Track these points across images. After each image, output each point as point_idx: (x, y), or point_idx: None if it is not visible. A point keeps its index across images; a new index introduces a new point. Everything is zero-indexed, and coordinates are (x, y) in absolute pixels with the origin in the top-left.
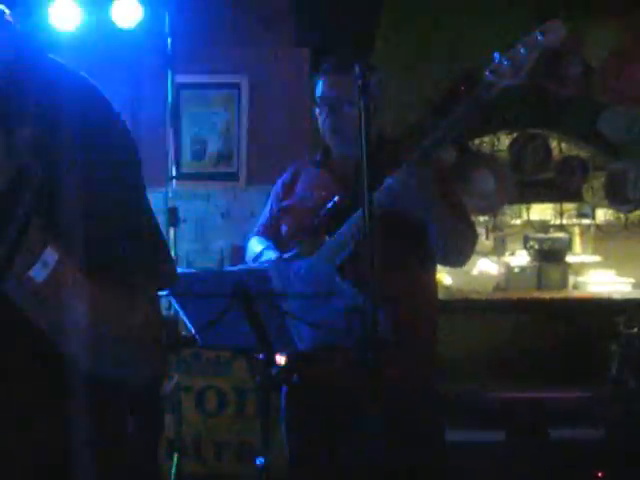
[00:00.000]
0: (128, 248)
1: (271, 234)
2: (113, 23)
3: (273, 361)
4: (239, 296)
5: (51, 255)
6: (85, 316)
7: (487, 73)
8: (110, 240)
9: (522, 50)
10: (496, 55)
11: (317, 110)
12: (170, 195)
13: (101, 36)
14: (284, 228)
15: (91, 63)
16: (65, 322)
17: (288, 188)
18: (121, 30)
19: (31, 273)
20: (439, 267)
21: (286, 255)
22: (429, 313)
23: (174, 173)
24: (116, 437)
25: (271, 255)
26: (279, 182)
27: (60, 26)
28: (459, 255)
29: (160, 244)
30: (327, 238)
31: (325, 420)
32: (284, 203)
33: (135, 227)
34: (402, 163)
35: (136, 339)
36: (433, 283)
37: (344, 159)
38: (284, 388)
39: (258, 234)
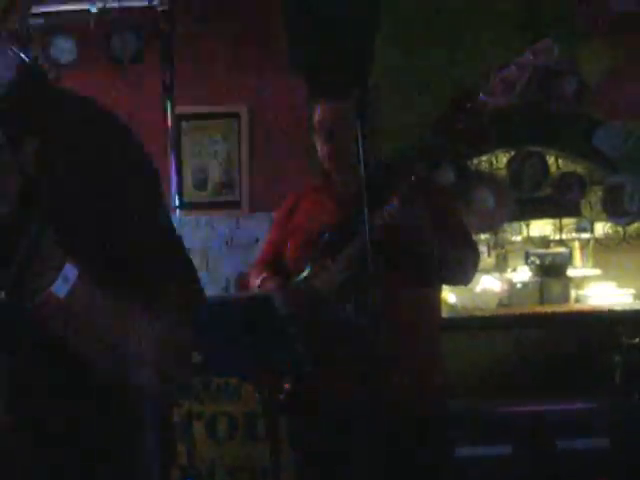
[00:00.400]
0: (149, 265)
1: (273, 262)
2: (111, 55)
3: (280, 386)
4: (245, 322)
5: (71, 270)
6: (104, 329)
7: (481, 93)
8: (131, 256)
9: (514, 70)
10: (489, 75)
11: (315, 136)
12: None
13: (100, 68)
14: (287, 253)
15: (91, 95)
16: (86, 336)
17: (289, 215)
18: (120, 62)
19: (53, 289)
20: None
21: (293, 281)
22: (431, 331)
23: (177, 203)
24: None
25: (271, 284)
26: (280, 210)
27: (58, 59)
28: (462, 277)
29: (184, 263)
30: (330, 262)
31: (331, 440)
32: (286, 229)
33: (156, 244)
34: (394, 196)
35: (153, 353)
36: (437, 301)
37: (344, 184)
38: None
39: (260, 264)
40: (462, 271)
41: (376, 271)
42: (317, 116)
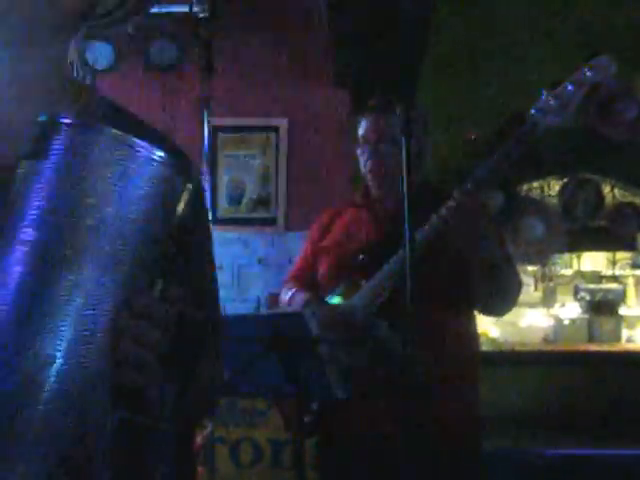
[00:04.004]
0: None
1: (305, 279)
2: (149, 61)
3: (308, 408)
4: (274, 340)
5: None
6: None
7: (533, 111)
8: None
9: (569, 87)
10: (543, 92)
11: (358, 150)
12: None
13: (137, 75)
14: (321, 270)
15: (126, 103)
16: None
17: (325, 230)
18: (156, 70)
19: None
20: (485, 319)
21: (325, 299)
22: (471, 360)
23: (210, 218)
24: None
25: (301, 296)
26: (316, 224)
27: (95, 64)
28: (502, 301)
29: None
30: (364, 281)
31: (361, 469)
32: (321, 244)
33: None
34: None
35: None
36: (475, 329)
37: (384, 200)
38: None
39: (291, 280)
40: (503, 296)
41: (413, 291)
42: (362, 129)
